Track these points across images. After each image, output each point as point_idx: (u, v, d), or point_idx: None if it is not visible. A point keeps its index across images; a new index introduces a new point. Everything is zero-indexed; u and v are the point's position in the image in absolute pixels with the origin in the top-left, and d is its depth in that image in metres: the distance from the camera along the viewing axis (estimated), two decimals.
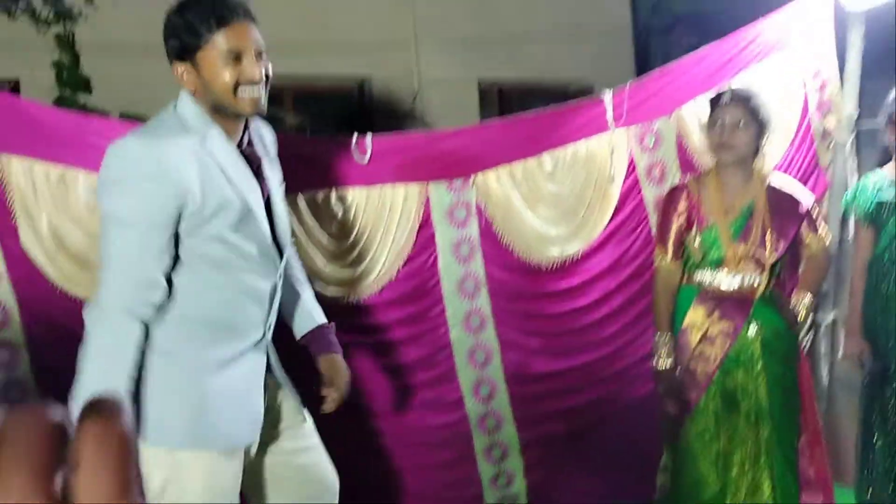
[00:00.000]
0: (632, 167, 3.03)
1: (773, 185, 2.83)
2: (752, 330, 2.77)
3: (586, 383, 3.09)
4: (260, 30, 1.95)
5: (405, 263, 2.91)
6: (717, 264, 2.79)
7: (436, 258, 2.94)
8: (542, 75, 6.61)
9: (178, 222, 1.87)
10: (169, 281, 1.90)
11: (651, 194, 3.04)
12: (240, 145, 1.99)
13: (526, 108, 3.25)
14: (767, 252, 2.75)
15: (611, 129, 2.97)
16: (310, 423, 2.19)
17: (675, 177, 3.03)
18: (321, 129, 6.08)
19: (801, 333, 3.04)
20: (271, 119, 2.08)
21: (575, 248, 3.03)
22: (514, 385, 3.04)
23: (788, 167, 3.09)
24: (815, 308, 3.11)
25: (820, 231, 2.86)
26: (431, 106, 6.31)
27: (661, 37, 7.12)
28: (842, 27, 3.11)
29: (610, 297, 3.06)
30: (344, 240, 2.87)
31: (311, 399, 2.20)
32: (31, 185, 2.68)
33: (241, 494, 2.04)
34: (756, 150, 2.78)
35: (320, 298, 2.37)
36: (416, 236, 2.91)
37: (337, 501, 2.20)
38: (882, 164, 3.12)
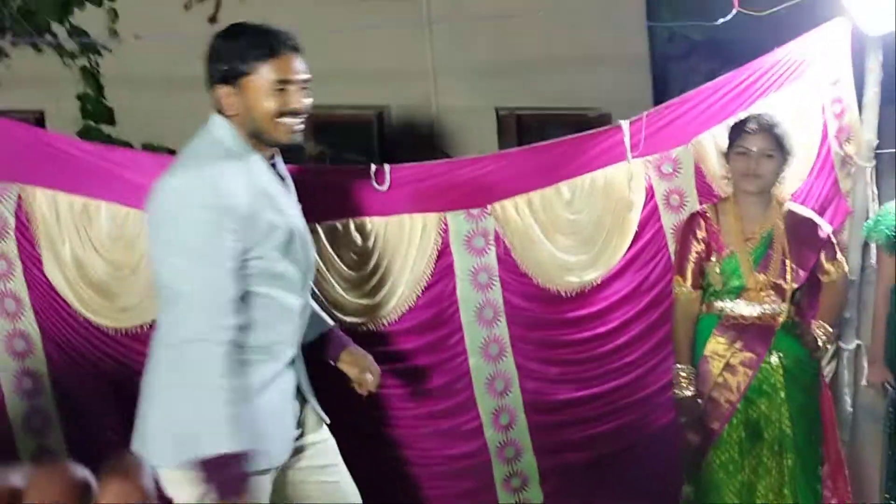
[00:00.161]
0: (650, 194, 3.02)
1: (791, 210, 2.81)
2: (775, 359, 2.75)
3: (606, 412, 3.06)
4: None
5: (424, 292, 2.92)
6: (738, 293, 2.77)
7: (454, 286, 2.95)
8: (560, 103, 6.62)
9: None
10: None
11: (670, 221, 3.03)
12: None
13: (544, 137, 3.27)
14: (788, 280, 2.74)
15: (628, 159, 2.97)
16: (332, 442, 2.20)
17: (693, 204, 3.02)
18: (340, 159, 6.12)
19: (824, 361, 3.01)
20: (292, 148, 2.11)
21: (594, 275, 3.02)
22: (533, 414, 3.02)
23: (809, 194, 3.07)
24: (839, 336, 3.09)
25: (839, 258, 2.84)
26: (450, 135, 6.34)
27: (678, 64, 7.12)
28: (859, 54, 3.10)
29: (629, 324, 3.04)
30: (363, 268, 2.88)
31: (335, 423, 2.21)
32: (55, 215, 2.72)
33: None
34: (777, 178, 2.77)
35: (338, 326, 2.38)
36: (435, 265, 2.92)
37: None
38: None
